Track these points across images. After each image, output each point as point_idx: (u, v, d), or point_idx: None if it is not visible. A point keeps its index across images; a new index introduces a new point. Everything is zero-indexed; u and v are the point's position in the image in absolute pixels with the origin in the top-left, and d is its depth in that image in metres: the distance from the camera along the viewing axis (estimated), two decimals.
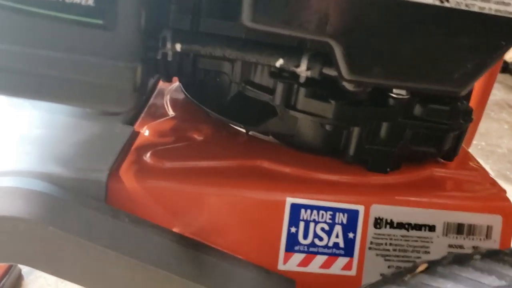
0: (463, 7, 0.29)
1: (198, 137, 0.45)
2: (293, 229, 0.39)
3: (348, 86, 0.34)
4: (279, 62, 0.35)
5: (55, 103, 0.30)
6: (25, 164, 0.37)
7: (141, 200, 0.38)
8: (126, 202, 0.37)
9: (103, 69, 0.29)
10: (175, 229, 0.38)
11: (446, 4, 0.29)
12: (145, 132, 0.45)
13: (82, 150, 0.40)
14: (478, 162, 0.49)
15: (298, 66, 0.35)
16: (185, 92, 0.49)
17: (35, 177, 0.36)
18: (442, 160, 0.46)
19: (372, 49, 0.31)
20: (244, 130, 0.46)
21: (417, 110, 0.41)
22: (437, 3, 0.29)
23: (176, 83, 0.56)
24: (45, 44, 0.28)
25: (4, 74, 0.29)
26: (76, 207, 0.35)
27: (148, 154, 0.41)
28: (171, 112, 0.50)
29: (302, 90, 0.40)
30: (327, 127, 0.41)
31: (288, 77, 0.40)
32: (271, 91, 0.42)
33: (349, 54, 0.31)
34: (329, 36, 0.30)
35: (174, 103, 0.52)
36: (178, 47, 0.36)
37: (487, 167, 1.43)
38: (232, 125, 0.47)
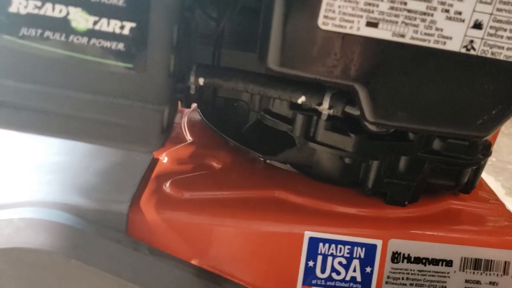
0: (489, 55, 0.29)
1: (216, 164, 0.46)
2: (310, 263, 0.39)
3: (371, 127, 0.34)
4: (301, 99, 0.36)
5: (81, 142, 0.31)
6: (46, 195, 0.38)
7: (160, 231, 0.38)
8: (146, 233, 0.38)
9: (131, 111, 0.29)
10: (193, 261, 0.38)
11: (472, 52, 0.29)
12: (164, 159, 0.45)
13: (103, 179, 0.40)
14: (495, 195, 0.49)
15: (320, 104, 0.35)
16: (204, 119, 0.49)
17: (57, 208, 0.37)
18: (459, 192, 0.46)
19: (396, 94, 0.31)
20: (262, 158, 0.47)
21: (436, 144, 0.41)
22: (463, 51, 0.29)
23: (193, 106, 0.56)
24: (75, 85, 0.29)
25: (34, 113, 0.29)
26: (98, 239, 0.36)
27: (168, 184, 0.41)
28: (189, 137, 0.50)
29: (322, 123, 0.40)
30: (346, 160, 0.41)
31: (308, 109, 0.40)
32: (290, 121, 0.43)
33: (373, 98, 0.31)
34: (353, 80, 0.31)
35: (192, 127, 0.52)
36: (201, 81, 0.37)
37: (498, 184, 1.41)
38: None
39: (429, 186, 0.44)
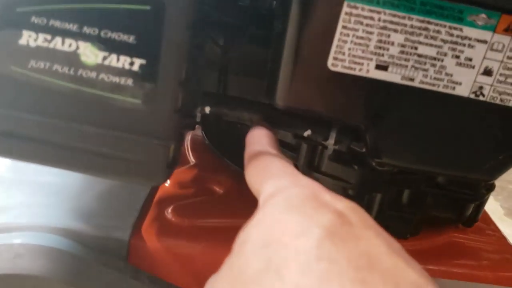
0: (498, 102, 0.29)
1: (218, 189, 0.45)
2: None
3: (377, 165, 0.34)
4: (307, 133, 0.36)
5: (85, 174, 0.30)
6: (46, 219, 0.37)
7: (161, 259, 0.38)
8: (147, 260, 0.38)
9: (137, 145, 0.29)
10: None
11: (481, 98, 0.29)
12: (166, 182, 0.45)
13: (103, 204, 0.40)
14: (497, 228, 0.48)
15: (326, 139, 0.35)
16: (207, 141, 0.49)
17: (57, 233, 0.36)
18: (461, 225, 0.46)
19: (403, 136, 0.31)
20: None
21: (440, 179, 0.41)
22: (472, 96, 0.29)
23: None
24: (82, 118, 0.28)
25: (40, 145, 0.29)
26: (98, 267, 0.35)
27: (170, 210, 0.41)
28: (191, 159, 0.50)
29: (326, 153, 0.40)
30: (350, 191, 0.41)
31: (313, 140, 0.40)
32: (294, 149, 0.42)
33: (380, 138, 0.31)
34: (360, 120, 0.31)
35: (195, 147, 0.52)
36: (207, 109, 0.37)
37: (497, 204, 1.41)
38: None
39: (432, 218, 0.43)
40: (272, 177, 0.24)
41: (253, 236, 0.20)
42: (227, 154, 0.47)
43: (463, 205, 0.43)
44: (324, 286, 0.16)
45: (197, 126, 0.55)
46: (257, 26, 0.37)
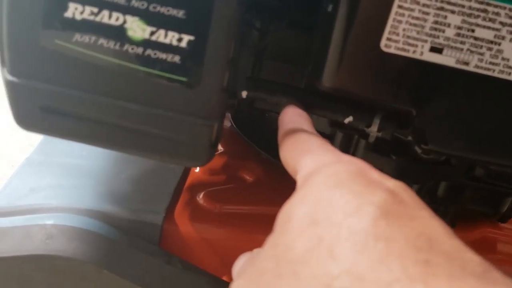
0: None
1: (248, 177, 0.45)
2: None
3: (421, 153, 0.33)
4: (349, 120, 0.35)
5: (127, 154, 0.30)
6: (79, 200, 0.37)
7: (193, 244, 0.37)
8: (179, 244, 0.37)
9: (181, 124, 0.28)
10: (224, 277, 0.37)
11: None
12: (196, 168, 0.44)
13: (136, 187, 0.39)
14: None
15: (369, 126, 0.34)
16: (237, 129, 0.48)
17: (90, 215, 0.36)
18: (496, 221, 0.45)
19: (454, 122, 0.30)
20: None
21: (479, 171, 0.40)
22: None
23: None
24: (126, 95, 0.28)
25: (83, 122, 0.28)
26: (131, 250, 0.35)
27: (201, 195, 0.40)
28: (220, 147, 0.49)
29: (362, 142, 0.39)
30: None
31: (349, 127, 0.39)
32: (327, 138, 0.41)
33: (430, 124, 0.30)
34: (411, 105, 0.30)
35: (223, 136, 0.51)
36: (244, 94, 0.36)
37: None
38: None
39: (467, 212, 0.42)
40: (311, 152, 0.22)
41: (298, 213, 0.19)
42: (257, 142, 0.46)
43: (500, 199, 0.42)
44: (384, 266, 0.15)
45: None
46: (299, 9, 0.36)
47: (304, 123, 0.27)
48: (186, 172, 0.43)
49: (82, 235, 0.34)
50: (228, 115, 0.53)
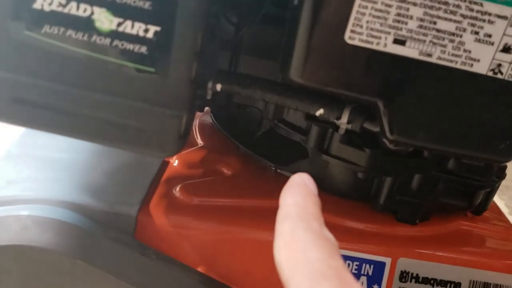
0: None
1: (226, 171, 0.45)
2: None
3: (390, 145, 0.34)
4: (319, 112, 0.35)
5: (95, 143, 0.30)
6: (55, 192, 0.37)
7: (168, 236, 0.38)
8: (154, 237, 0.37)
9: (150, 115, 0.28)
10: (200, 269, 0.38)
11: (499, 76, 0.29)
12: (174, 162, 0.45)
13: (112, 180, 0.40)
14: (506, 218, 0.48)
15: (339, 118, 0.35)
16: (216, 123, 0.49)
17: (65, 207, 0.36)
18: (470, 213, 0.46)
19: (419, 113, 0.30)
20: (273, 167, 0.46)
21: (451, 164, 0.40)
22: (490, 74, 0.29)
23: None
24: (94, 86, 0.28)
25: (52, 112, 0.29)
26: (105, 241, 0.35)
27: (178, 188, 0.40)
28: (199, 141, 0.49)
29: (337, 135, 0.40)
30: (359, 174, 0.40)
31: (324, 121, 0.40)
32: (304, 132, 0.42)
33: (395, 116, 0.30)
34: (376, 97, 0.30)
35: (203, 130, 0.52)
36: (218, 87, 0.36)
37: (501, 203, 1.40)
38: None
39: (441, 205, 0.43)
40: (312, 275, 0.18)
41: None
42: (236, 137, 0.46)
43: (474, 192, 0.42)
44: None
45: (206, 109, 0.55)
46: (273, 3, 0.37)
47: (310, 213, 0.21)
48: (164, 165, 0.43)
49: (57, 226, 0.35)
50: (209, 110, 0.53)
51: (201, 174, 0.44)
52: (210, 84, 0.36)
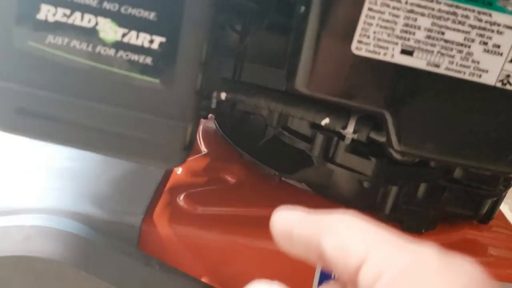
0: None
1: (230, 179, 0.45)
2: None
3: (396, 155, 0.34)
4: (325, 121, 0.35)
5: (101, 155, 0.30)
6: (58, 202, 0.37)
7: (172, 245, 0.37)
8: (158, 246, 0.37)
9: (155, 126, 0.28)
10: (203, 279, 0.37)
11: (508, 87, 0.28)
12: (178, 170, 0.44)
13: (115, 189, 0.39)
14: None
15: (345, 127, 0.34)
16: (220, 130, 0.48)
17: (69, 216, 0.36)
18: (476, 222, 0.45)
19: (427, 124, 0.30)
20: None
21: (457, 173, 0.40)
22: (499, 85, 0.28)
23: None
24: (99, 97, 0.28)
25: (56, 123, 0.28)
26: (109, 252, 0.35)
27: (182, 197, 0.40)
28: (203, 149, 0.49)
29: (342, 144, 0.39)
30: (365, 183, 0.40)
31: (329, 129, 0.39)
32: (308, 140, 0.42)
33: (402, 126, 0.30)
34: (383, 108, 0.30)
35: (207, 138, 0.51)
36: (223, 95, 0.36)
37: (505, 207, 1.40)
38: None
39: (447, 214, 0.43)
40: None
41: None
42: (240, 144, 0.46)
43: (480, 201, 0.42)
44: None
45: (210, 116, 0.55)
46: (277, 11, 0.36)
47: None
48: (168, 174, 0.43)
49: (60, 236, 0.34)
50: (213, 117, 0.53)
51: (205, 182, 0.44)
52: (215, 93, 0.35)
